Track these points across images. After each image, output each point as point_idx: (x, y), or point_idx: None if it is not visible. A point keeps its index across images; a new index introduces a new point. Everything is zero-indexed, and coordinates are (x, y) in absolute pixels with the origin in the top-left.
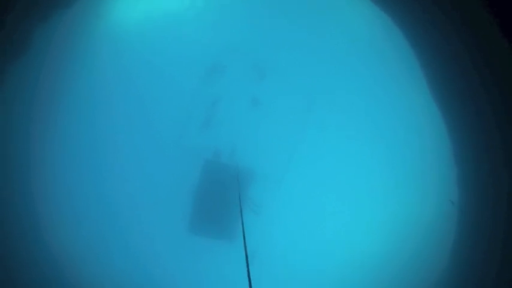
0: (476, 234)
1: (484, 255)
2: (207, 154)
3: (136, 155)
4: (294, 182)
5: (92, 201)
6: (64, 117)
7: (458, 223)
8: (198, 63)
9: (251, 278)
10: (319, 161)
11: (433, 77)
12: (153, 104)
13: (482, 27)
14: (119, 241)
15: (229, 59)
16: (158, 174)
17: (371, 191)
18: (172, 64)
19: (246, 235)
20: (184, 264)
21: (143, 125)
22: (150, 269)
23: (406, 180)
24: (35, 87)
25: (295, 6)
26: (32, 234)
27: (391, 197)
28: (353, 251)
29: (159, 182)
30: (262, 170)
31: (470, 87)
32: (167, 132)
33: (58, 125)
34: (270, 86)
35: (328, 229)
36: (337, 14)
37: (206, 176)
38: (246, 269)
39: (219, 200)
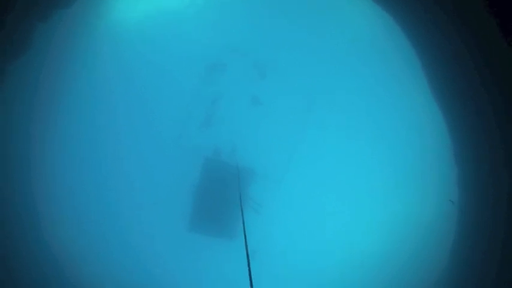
0: (476, 234)
1: (483, 255)
2: (207, 153)
3: (136, 153)
4: (294, 181)
5: (92, 201)
6: (64, 117)
7: (458, 223)
8: (198, 62)
9: (251, 276)
10: (320, 161)
11: (434, 76)
12: (154, 102)
13: (483, 27)
14: (119, 240)
15: (229, 58)
16: (158, 173)
17: (371, 190)
18: (173, 63)
19: (246, 234)
20: (184, 262)
21: (143, 123)
22: (151, 267)
23: (406, 180)
24: (35, 87)
25: (295, 6)
26: (33, 234)
27: (391, 197)
28: (353, 250)
29: (159, 180)
30: (262, 169)
31: (471, 87)
32: (167, 131)
33: (58, 125)
34: (270, 85)
35: (328, 228)
36: (338, 14)
37: (206, 174)
38: (247, 267)
39: (219, 199)
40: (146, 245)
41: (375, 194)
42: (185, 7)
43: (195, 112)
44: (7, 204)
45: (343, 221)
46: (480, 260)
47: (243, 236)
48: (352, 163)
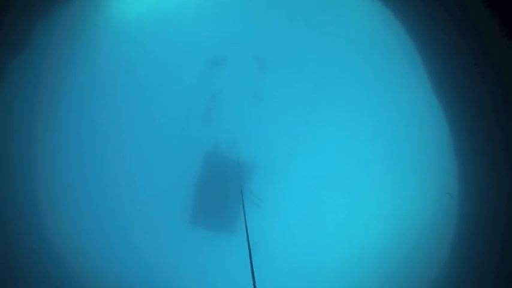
0: (476, 228)
1: (484, 249)
2: (208, 147)
3: (137, 148)
4: (294, 175)
5: (93, 197)
6: (65, 113)
7: (458, 217)
8: (199, 56)
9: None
10: (320, 155)
11: (433, 71)
12: (154, 97)
13: (483, 22)
14: (120, 235)
15: (229, 52)
16: (159, 168)
17: (371, 184)
18: (173, 57)
19: (247, 228)
20: (185, 257)
21: (144, 118)
22: (152, 262)
23: (406, 173)
24: (35, 84)
25: (295, 0)
26: (34, 231)
27: (391, 191)
28: (353, 244)
29: (160, 175)
30: (263, 163)
31: (470, 82)
32: (168, 126)
33: (59, 121)
34: (270, 79)
35: (328, 222)
36: (338, 8)
37: (207, 169)
38: (249, 261)
39: (220, 193)
40: (147, 240)
41: (375, 188)
42: (185, 1)
43: (195, 106)
44: (8, 202)
45: (343, 215)
46: (480, 253)
47: (244, 230)
48: (352, 157)
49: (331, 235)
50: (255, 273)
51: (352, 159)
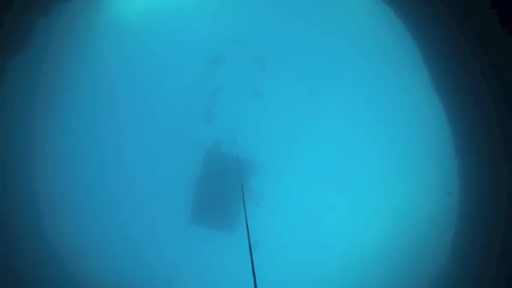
0: (477, 227)
1: (484, 248)
2: (208, 145)
3: (137, 147)
4: (294, 173)
5: (93, 195)
6: (65, 112)
7: (458, 216)
8: (199, 54)
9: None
10: (320, 154)
11: (434, 69)
12: (154, 96)
13: (484, 20)
14: (121, 234)
15: (229, 50)
16: (159, 166)
17: (371, 183)
18: (173, 55)
19: (248, 226)
20: (185, 255)
21: (144, 117)
22: (152, 260)
23: (407, 173)
24: (36, 83)
25: None
26: (35, 230)
27: (391, 190)
28: (353, 243)
29: (160, 173)
30: (263, 162)
31: (471, 81)
32: (168, 124)
33: (59, 120)
34: (270, 77)
35: (328, 221)
36: (338, 6)
37: (207, 167)
38: (250, 259)
39: (220, 191)
40: (147, 239)
41: (375, 187)
42: (185, 0)
43: (195, 105)
44: (9, 201)
45: (344, 214)
46: (480, 253)
47: (245, 228)
48: (352, 156)
49: (331, 234)
50: (255, 271)
51: (352, 158)
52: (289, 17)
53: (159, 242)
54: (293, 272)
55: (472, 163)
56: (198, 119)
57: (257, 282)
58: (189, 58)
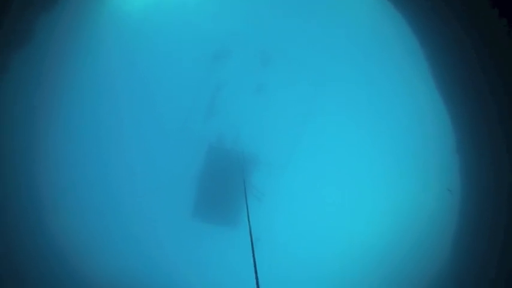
0: (478, 224)
1: (485, 245)
2: (211, 140)
3: (140, 142)
4: (297, 169)
5: (96, 191)
6: (68, 106)
7: (459, 213)
8: (203, 49)
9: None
10: (322, 150)
11: (435, 64)
12: (158, 90)
13: (485, 16)
14: (123, 229)
15: (233, 45)
16: (162, 161)
17: (373, 180)
18: (177, 50)
19: (250, 221)
20: (187, 250)
21: (147, 111)
22: (154, 255)
23: (408, 169)
24: (38, 77)
25: None
26: (37, 227)
27: (392, 186)
28: (354, 240)
29: (163, 168)
30: (265, 157)
31: (472, 76)
32: (171, 119)
33: (61, 115)
34: (274, 73)
35: (329, 218)
36: (340, 2)
37: (210, 162)
38: (252, 254)
39: (223, 187)
40: (149, 234)
41: (377, 184)
42: None
43: (198, 99)
44: (11, 198)
45: (345, 211)
46: (482, 250)
47: (247, 224)
48: (354, 152)
49: (333, 230)
50: (257, 267)
51: (354, 154)
52: (292, 12)
53: (160, 237)
54: (294, 267)
55: (473, 158)
56: (201, 113)
57: (259, 278)
58: (193, 52)
